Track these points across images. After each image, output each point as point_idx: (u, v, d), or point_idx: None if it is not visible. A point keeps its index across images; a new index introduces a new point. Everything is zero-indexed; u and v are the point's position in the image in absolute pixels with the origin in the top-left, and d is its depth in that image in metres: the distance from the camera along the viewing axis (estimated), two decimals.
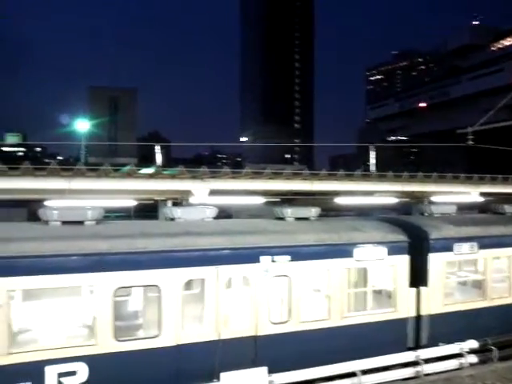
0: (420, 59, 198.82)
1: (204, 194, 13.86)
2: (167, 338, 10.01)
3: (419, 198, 19.06)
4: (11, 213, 23.31)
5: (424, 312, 12.59)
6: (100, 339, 9.52)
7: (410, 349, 12.26)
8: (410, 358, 11.93)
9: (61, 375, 9.15)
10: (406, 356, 11.94)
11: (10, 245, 9.26)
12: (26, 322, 10.07)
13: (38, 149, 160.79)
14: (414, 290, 12.52)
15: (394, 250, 12.26)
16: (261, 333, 10.80)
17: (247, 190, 14.98)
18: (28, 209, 23.91)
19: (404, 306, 12.37)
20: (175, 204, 16.02)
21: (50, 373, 9.09)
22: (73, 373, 9.25)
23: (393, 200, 18.14)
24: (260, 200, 15.92)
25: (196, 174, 13.64)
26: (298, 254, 11.25)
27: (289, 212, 12.72)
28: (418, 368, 11.81)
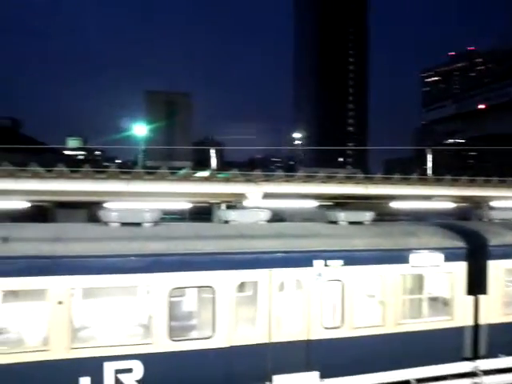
0: (479, 59, 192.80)
1: (258, 197, 13.97)
2: (220, 340, 10.15)
3: (478, 203, 18.49)
4: (72, 214, 24.23)
5: (482, 321, 12.19)
6: (155, 338, 9.76)
7: (466, 359, 11.91)
8: (467, 369, 11.59)
9: (118, 372, 9.46)
10: (463, 366, 11.61)
11: (72, 245, 9.65)
12: (85, 319, 10.45)
13: (98, 152, 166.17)
14: (471, 297, 12.15)
15: (451, 256, 11.95)
16: (313, 337, 10.77)
17: (300, 193, 14.97)
18: (88, 210, 24.79)
19: (461, 315, 12.03)
20: (229, 207, 16.21)
21: (109, 369, 9.42)
22: (129, 370, 9.54)
23: (450, 205, 17.67)
24: (313, 203, 15.89)
25: (250, 178, 13.78)
26: (352, 258, 11.16)
27: (342, 216, 12.62)
28: (477, 379, 11.46)
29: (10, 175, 12.02)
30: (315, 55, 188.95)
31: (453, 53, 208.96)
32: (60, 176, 12.46)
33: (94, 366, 9.33)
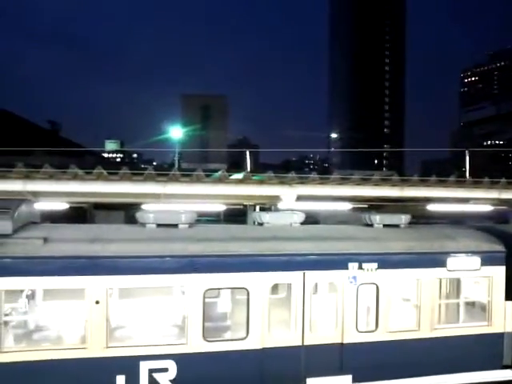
0: None
1: (292, 200, 13.91)
2: (253, 341, 10.20)
3: None
4: (110, 215, 24.73)
5: None
6: (190, 339, 9.89)
7: (505, 367, 11.62)
8: (507, 377, 11.31)
9: (152, 371, 9.62)
10: (503, 374, 11.34)
11: (110, 246, 9.87)
12: (122, 318, 10.67)
13: (135, 155, 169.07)
14: (511, 303, 11.87)
15: (489, 260, 11.70)
16: (347, 340, 10.71)
17: (334, 195, 14.85)
18: (125, 212, 25.24)
19: (500, 321, 11.75)
20: (263, 209, 16.25)
21: (144, 368, 9.59)
22: (164, 369, 9.69)
23: (488, 208, 17.25)
24: (347, 206, 15.76)
25: (284, 180, 13.72)
26: (387, 261, 11.06)
27: (377, 219, 12.52)
28: None
29: (51, 177, 12.33)
30: (351, 56, 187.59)
31: (492, 52, 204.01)
32: (98, 178, 12.70)
33: (129, 365, 9.52)
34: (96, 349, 9.43)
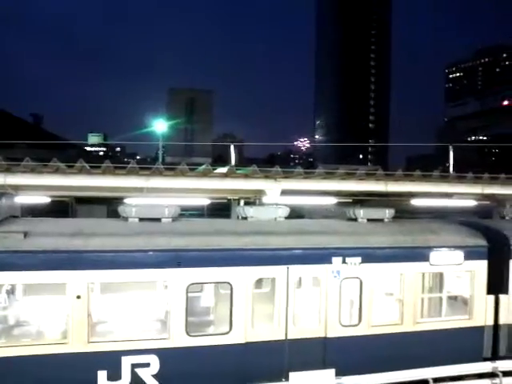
0: (504, 54, 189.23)
1: (276, 194, 13.90)
2: (237, 336, 10.17)
3: (500, 201, 18.20)
4: (92, 209, 24.50)
5: (503, 321, 11.99)
6: (172, 333, 9.82)
7: (485, 359, 11.74)
8: (486, 369, 11.41)
9: (135, 366, 9.55)
10: (482, 366, 11.44)
11: (91, 240, 9.75)
12: (103, 313, 10.56)
13: (118, 148, 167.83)
14: (492, 297, 11.97)
15: (471, 254, 11.78)
16: (330, 335, 10.73)
17: (319, 190, 14.87)
18: (108, 206, 25.04)
19: (481, 314, 11.86)
20: (248, 203, 16.20)
21: (126, 363, 9.51)
22: (146, 364, 9.62)
23: (472, 203, 17.41)
24: (332, 200, 15.79)
25: (269, 174, 13.71)
26: (371, 256, 11.08)
27: (361, 213, 12.52)
28: (496, 380, 11.27)
29: (32, 171, 12.16)
30: (337, 51, 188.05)
31: (477, 48, 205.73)
32: (80, 172, 12.56)
33: (111, 360, 9.43)
34: (77, 344, 9.32)
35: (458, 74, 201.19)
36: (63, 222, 11.42)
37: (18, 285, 10.32)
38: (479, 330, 11.84)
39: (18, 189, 12.80)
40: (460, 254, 11.69)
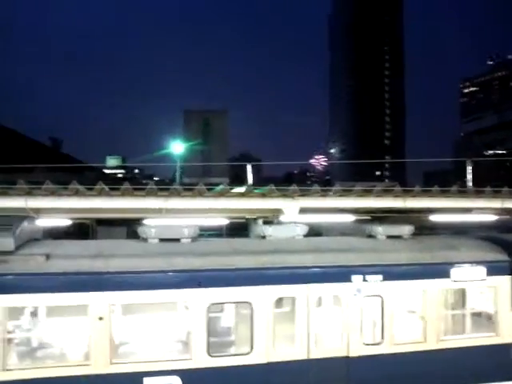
0: None
1: (294, 212, 13.88)
2: (258, 356, 10.11)
3: None
4: (112, 231, 24.68)
5: None
6: (194, 354, 9.81)
7: None
8: None
9: None
10: None
11: (112, 261, 9.83)
12: (125, 334, 10.59)
13: (136, 170, 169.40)
14: None
15: (494, 270, 11.62)
16: (353, 354, 10.62)
17: (337, 207, 14.82)
18: (127, 227, 25.20)
19: (507, 331, 11.65)
20: (266, 222, 16.19)
21: None
22: None
23: (492, 217, 17.19)
24: (350, 218, 15.72)
25: (286, 193, 13.71)
26: (391, 273, 10.99)
27: (380, 230, 12.45)
28: None
29: (52, 194, 12.33)
30: (351, 69, 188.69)
31: (492, 62, 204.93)
32: (100, 194, 12.70)
33: (133, 381, 9.44)
34: (100, 365, 9.35)
35: (472, 89, 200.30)
36: (84, 243, 11.55)
37: (40, 307, 10.41)
38: (506, 347, 11.61)
39: (39, 212, 12.97)
40: (482, 269, 11.54)
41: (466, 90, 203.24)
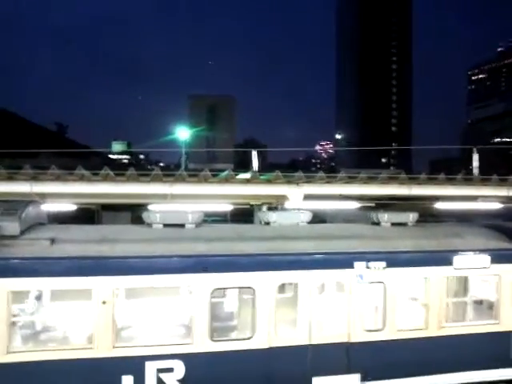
0: None
1: (299, 199, 13.86)
2: (260, 340, 10.19)
3: None
4: (117, 216, 24.80)
5: None
6: (196, 338, 9.89)
7: None
8: None
9: (159, 371, 9.64)
10: (511, 372, 11.25)
11: (117, 246, 9.89)
12: (128, 318, 10.68)
13: (142, 156, 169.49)
14: None
15: (498, 258, 11.62)
16: (354, 339, 10.68)
17: (342, 194, 14.79)
18: (132, 212, 25.31)
19: (508, 319, 11.67)
20: (270, 208, 16.20)
21: (150, 368, 9.60)
22: (170, 369, 9.70)
23: (497, 205, 17.13)
24: (355, 205, 15.69)
25: (291, 179, 13.68)
26: (394, 260, 11.01)
27: (385, 217, 12.47)
28: None
29: (57, 178, 12.36)
30: (357, 54, 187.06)
31: (501, 48, 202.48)
32: (105, 179, 12.72)
33: (136, 365, 9.54)
34: (103, 349, 9.45)
35: (481, 76, 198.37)
36: (89, 228, 11.61)
37: (44, 291, 10.51)
38: (507, 335, 11.64)
39: (44, 196, 13.01)
40: (486, 257, 11.54)
41: (475, 77, 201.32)
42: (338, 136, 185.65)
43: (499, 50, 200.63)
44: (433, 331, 11.13)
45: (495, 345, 11.48)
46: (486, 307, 12.11)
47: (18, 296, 9.76)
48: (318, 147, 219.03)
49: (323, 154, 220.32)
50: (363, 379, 10.10)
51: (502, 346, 11.58)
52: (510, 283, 11.67)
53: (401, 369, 10.55)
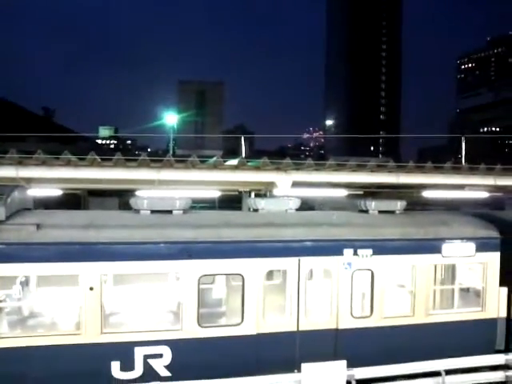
0: None
1: (287, 186, 13.84)
2: (248, 327, 10.22)
3: None
4: (104, 202, 24.64)
5: None
6: (184, 325, 9.89)
7: (498, 352, 11.68)
8: (499, 361, 11.37)
9: (147, 357, 9.63)
10: (495, 358, 11.40)
11: (104, 232, 9.81)
12: (116, 304, 10.66)
13: (129, 141, 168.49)
14: (505, 289, 11.90)
15: (484, 246, 11.72)
16: (341, 326, 10.75)
17: (330, 182, 14.79)
18: (119, 198, 25.16)
19: (493, 306, 11.81)
20: (258, 195, 16.18)
21: (139, 354, 9.59)
22: (159, 355, 9.70)
23: (484, 194, 17.25)
24: (343, 192, 15.72)
25: (279, 166, 13.64)
26: (382, 247, 11.06)
27: (373, 205, 12.51)
28: (509, 373, 11.22)
29: (44, 163, 12.22)
30: (347, 41, 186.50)
31: (490, 37, 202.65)
32: (92, 164, 12.59)
33: (124, 351, 9.53)
34: (91, 335, 9.42)
35: (470, 65, 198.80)
36: (75, 214, 11.51)
37: (31, 276, 10.45)
38: (492, 322, 11.79)
39: (30, 181, 12.87)
40: (472, 245, 11.64)
41: (464, 66, 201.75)
42: (327, 123, 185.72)
43: (488, 38, 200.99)
44: (419, 318, 11.23)
45: (481, 331, 11.62)
46: (472, 295, 12.24)
47: (4, 282, 9.67)
48: (306, 135, 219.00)
49: (312, 141, 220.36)
50: (350, 365, 10.16)
51: (487, 332, 11.72)
52: (495, 271, 11.79)
53: (388, 355, 10.64)
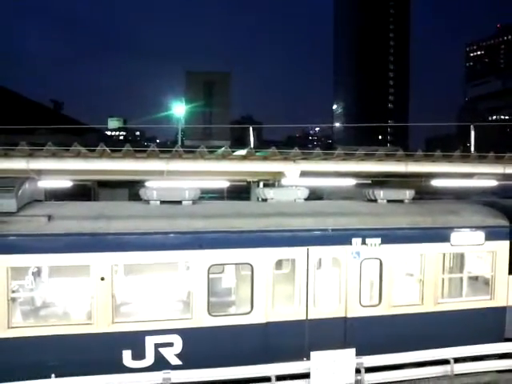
0: None
1: (295, 176, 13.87)
2: (258, 316, 10.29)
3: None
4: (114, 193, 24.80)
5: None
6: (195, 314, 9.99)
7: (507, 340, 11.70)
8: (508, 350, 11.39)
9: (158, 346, 9.75)
10: (504, 347, 11.42)
11: (114, 222, 9.90)
12: (127, 294, 10.77)
13: (138, 132, 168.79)
14: None
15: (493, 235, 11.70)
16: (350, 315, 10.80)
17: (338, 171, 14.79)
18: (129, 189, 25.30)
19: (503, 295, 11.81)
20: (267, 185, 16.23)
21: (149, 343, 9.71)
22: (169, 344, 9.81)
23: (493, 183, 17.17)
24: (351, 182, 15.72)
25: (288, 156, 13.67)
26: (391, 236, 11.07)
27: (381, 194, 12.50)
28: None
29: (54, 155, 12.33)
30: (356, 30, 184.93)
31: (500, 24, 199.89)
32: (101, 155, 12.69)
33: (135, 340, 9.64)
34: (102, 324, 9.53)
35: (479, 53, 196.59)
36: (86, 205, 11.61)
37: (43, 267, 10.57)
38: (501, 310, 11.79)
39: (40, 173, 13.01)
40: (481, 234, 11.62)
41: (473, 54, 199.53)
42: (335, 112, 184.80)
43: (498, 25, 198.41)
44: (428, 307, 11.26)
45: (490, 320, 11.63)
46: (481, 283, 12.24)
47: (17, 272, 9.81)
48: (315, 124, 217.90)
49: (320, 131, 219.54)
50: (359, 354, 10.22)
51: (496, 321, 11.73)
52: (504, 259, 11.78)
53: (396, 344, 10.69)
